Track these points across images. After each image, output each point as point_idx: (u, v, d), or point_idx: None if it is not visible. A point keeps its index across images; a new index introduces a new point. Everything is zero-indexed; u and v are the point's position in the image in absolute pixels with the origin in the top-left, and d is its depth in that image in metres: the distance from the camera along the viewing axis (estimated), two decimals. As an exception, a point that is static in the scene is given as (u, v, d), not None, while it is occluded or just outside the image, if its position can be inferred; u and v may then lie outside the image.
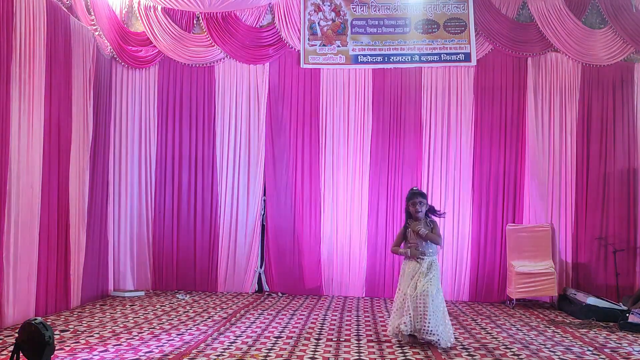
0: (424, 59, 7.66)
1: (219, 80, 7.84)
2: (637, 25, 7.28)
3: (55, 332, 4.76)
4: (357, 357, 4.25)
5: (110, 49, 7.34)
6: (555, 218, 7.34)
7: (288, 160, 7.74)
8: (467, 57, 7.60)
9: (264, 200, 7.76)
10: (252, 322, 5.61)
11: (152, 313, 6.03)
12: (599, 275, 7.20)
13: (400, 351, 4.47)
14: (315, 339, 4.90)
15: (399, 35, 7.68)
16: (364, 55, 7.70)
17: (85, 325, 5.30)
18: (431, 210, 4.91)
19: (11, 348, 3.77)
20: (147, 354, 4.24)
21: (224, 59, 7.86)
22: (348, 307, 6.66)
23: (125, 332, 5.03)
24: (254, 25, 7.85)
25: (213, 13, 7.72)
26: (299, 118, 7.78)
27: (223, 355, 4.26)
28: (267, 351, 4.40)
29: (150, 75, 7.83)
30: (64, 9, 6.16)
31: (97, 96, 6.89)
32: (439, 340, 4.55)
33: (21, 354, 3.63)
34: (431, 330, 4.54)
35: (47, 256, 5.69)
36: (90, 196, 6.67)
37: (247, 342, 4.73)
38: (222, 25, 7.77)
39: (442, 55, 7.63)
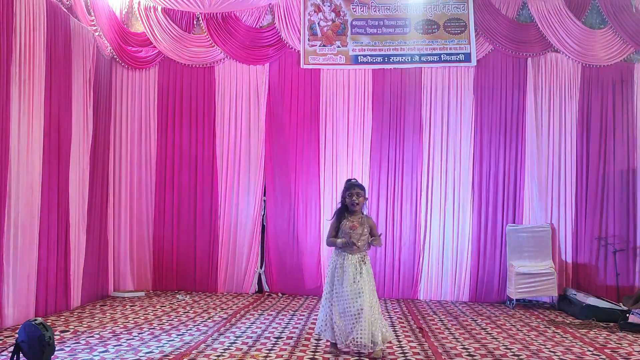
0: (424, 59, 7.66)
1: (219, 80, 7.84)
2: (637, 26, 7.29)
3: (55, 333, 4.76)
4: (357, 358, 4.24)
5: (110, 50, 7.34)
6: (555, 218, 7.34)
7: (288, 160, 7.74)
8: (467, 58, 7.60)
9: (264, 201, 7.76)
10: (252, 323, 5.60)
11: (152, 313, 6.02)
12: (599, 276, 7.20)
13: (401, 351, 4.47)
14: (315, 339, 4.89)
15: (399, 36, 7.69)
16: (364, 56, 7.70)
17: (85, 325, 5.30)
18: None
19: (11, 348, 3.77)
20: (147, 355, 4.24)
21: (224, 59, 7.86)
22: (348, 308, 6.64)
23: (126, 332, 5.03)
24: (254, 26, 7.85)
25: (213, 13, 7.72)
26: (299, 118, 7.78)
27: (223, 355, 4.26)
28: (267, 352, 4.40)
29: (150, 76, 7.82)
30: (64, 9, 6.16)
31: (97, 96, 6.89)
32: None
33: (21, 354, 3.64)
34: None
35: (47, 256, 5.68)
36: (90, 196, 6.66)
37: (247, 342, 4.73)
38: (222, 25, 7.77)
39: (442, 56, 7.64)
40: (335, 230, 4.47)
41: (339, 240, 4.38)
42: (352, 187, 4.42)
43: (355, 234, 4.35)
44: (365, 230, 4.40)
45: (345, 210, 4.48)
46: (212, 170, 7.75)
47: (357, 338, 4.14)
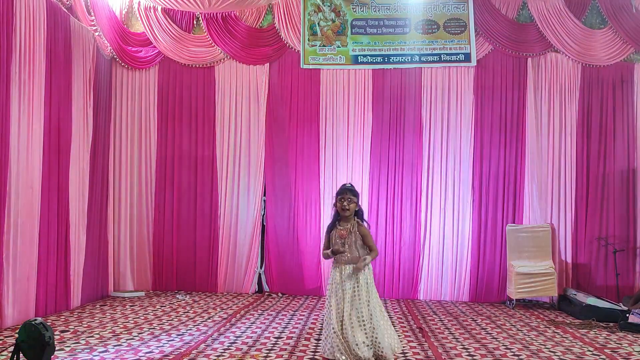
0: (424, 60, 7.66)
1: (219, 80, 7.84)
2: (637, 26, 7.29)
3: (55, 333, 4.76)
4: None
5: (110, 50, 7.34)
6: (555, 218, 7.34)
7: (288, 160, 7.74)
8: (467, 58, 7.60)
9: (264, 201, 7.76)
10: (252, 323, 5.60)
11: (152, 313, 6.02)
12: (599, 276, 7.20)
13: (401, 351, 4.47)
14: (315, 339, 4.89)
15: (399, 36, 7.69)
16: (364, 56, 7.70)
17: (85, 325, 5.30)
18: (359, 214, 4.22)
19: (11, 348, 3.77)
20: (147, 355, 4.24)
21: (224, 59, 7.86)
22: (348, 308, 6.64)
23: (126, 332, 5.03)
24: (254, 26, 7.85)
25: (213, 13, 7.72)
26: (299, 118, 7.78)
27: (223, 355, 4.26)
28: (267, 352, 4.40)
29: (150, 76, 7.83)
30: (64, 9, 6.16)
31: (97, 96, 6.89)
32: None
33: (21, 354, 3.63)
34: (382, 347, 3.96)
35: (47, 256, 5.69)
36: (90, 196, 6.67)
37: (247, 342, 4.73)
38: (222, 25, 7.78)
39: (442, 56, 7.64)
40: (328, 242, 4.23)
41: (327, 251, 4.16)
42: (343, 192, 4.15)
43: (345, 243, 4.08)
44: (354, 238, 4.10)
45: (338, 218, 4.21)
46: (212, 170, 7.76)
47: (357, 349, 3.88)
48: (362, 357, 3.86)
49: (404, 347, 4.63)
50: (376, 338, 3.93)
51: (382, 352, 3.92)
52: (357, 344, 3.87)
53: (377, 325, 3.96)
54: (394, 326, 5.47)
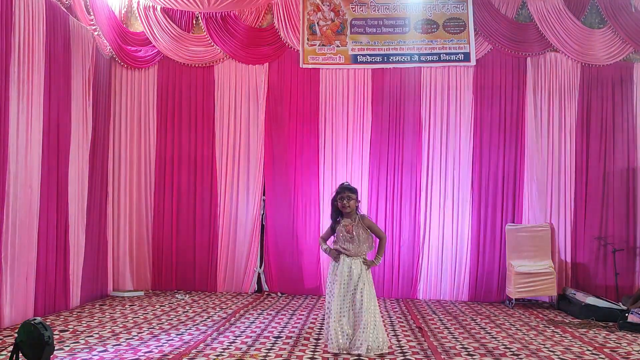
0: (424, 59, 7.66)
1: (219, 80, 7.84)
2: (637, 25, 7.30)
3: (55, 332, 4.76)
4: (357, 357, 4.24)
5: (110, 49, 7.34)
6: (555, 218, 7.35)
7: (287, 160, 7.74)
8: (467, 57, 7.60)
9: (264, 200, 7.76)
10: (251, 322, 5.61)
11: (151, 313, 6.02)
12: (598, 275, 7.21)
13: (400, 351, 4.47)
14: (315, 339, 4.90)
15: (398, 35, 7.69)
16: (363, 55, 7.70)
17: (84, 325, 5.30)
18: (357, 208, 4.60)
19: (10, 348, 3.77)
20: (147, 354, 4.24)
21: (223, 59, 7.86)
22: (347, 307, 6.64)
23: (125, 332, 5.03)
24: (253, 25, 7.85)
25: (212, 13, 7.71)
26: (298, 118, 7.78)
27: (222, 355, 4.26)
28: (266, 351, 4.41)
29: (149, 75, 7.82)
30: (63, 9, 6.16)
31: (96, 96, 6.88)
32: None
33: (20, 354, 3.63)
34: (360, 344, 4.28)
35: (46, 256, 5.68)
36: (90, 196, 6.66)
37: (247, 342, 4.73)
38: (221, 25, 7.78)
39: (441, 55, 7.64)
40: (329, 234, 4.66)
41: (324, 247, 4.61)
42: (342, 191, 4.52)
43: (354, 237, 4.45)
44: (361, 231, 4.48)
45: (339, 214, 4.58)
46: (211, 169, 7.75)
47: (358, 344, 4.28)
48: (342, 347, 4.29)
49: (403, 346, 4.63)
50: (362, 331, 4.27)
51: (359, 344, 4.26)
52: (343, 334, 4.30)
53: (366, 321, 4.29)
54: (393, 325, 5.50)
